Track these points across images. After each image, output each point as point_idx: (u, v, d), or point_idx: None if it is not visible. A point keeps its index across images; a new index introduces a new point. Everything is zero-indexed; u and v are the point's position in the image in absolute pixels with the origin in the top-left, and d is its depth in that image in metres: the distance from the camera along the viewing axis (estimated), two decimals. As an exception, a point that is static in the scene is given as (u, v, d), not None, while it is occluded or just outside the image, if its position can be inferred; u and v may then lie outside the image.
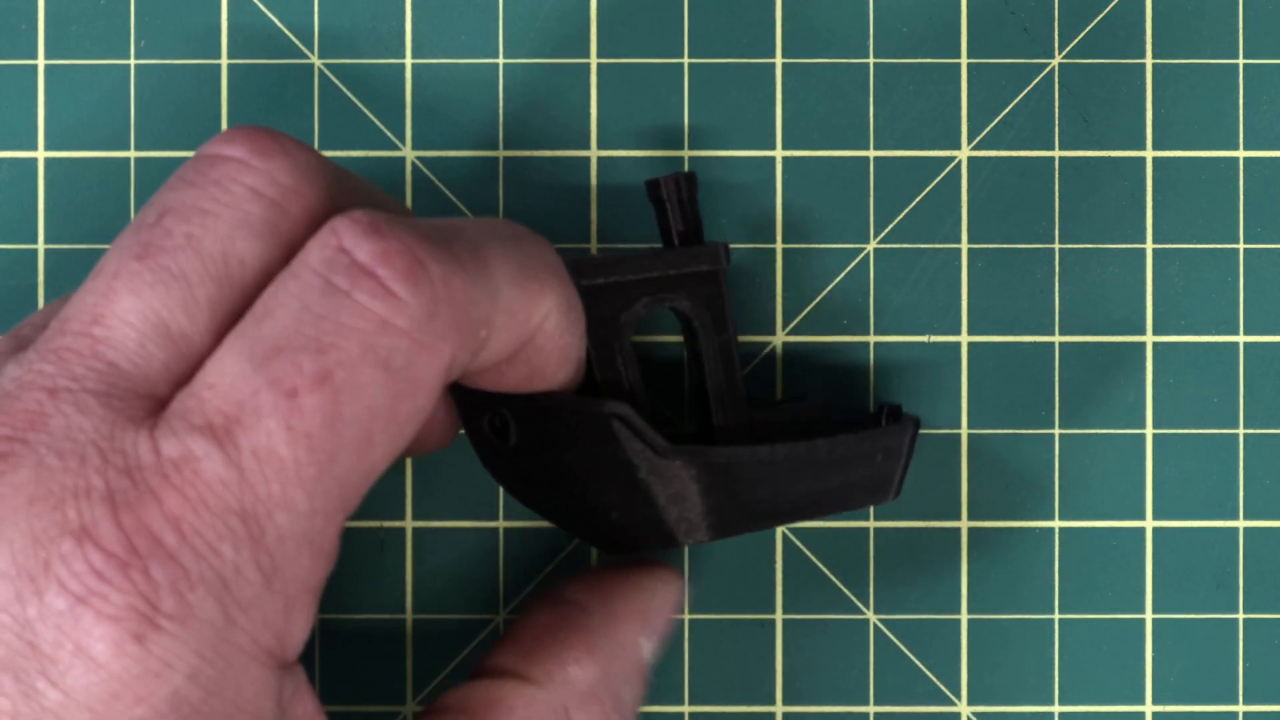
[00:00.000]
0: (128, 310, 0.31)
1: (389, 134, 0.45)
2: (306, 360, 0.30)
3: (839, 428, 0.42)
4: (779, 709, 0.45)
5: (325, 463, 0.30)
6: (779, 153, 0.45)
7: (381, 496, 0.45)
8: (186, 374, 0.31)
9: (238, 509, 0.29)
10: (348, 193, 0.35)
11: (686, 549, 0.45)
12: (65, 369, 0.31)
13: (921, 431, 0.45)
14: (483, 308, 0.32)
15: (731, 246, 0.45)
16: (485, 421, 0.39)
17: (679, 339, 0.45)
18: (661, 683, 0.45)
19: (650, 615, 0.40)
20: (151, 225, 0.32)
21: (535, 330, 0.35)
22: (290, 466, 0.30)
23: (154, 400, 0.31)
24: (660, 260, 0.40)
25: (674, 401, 0.45)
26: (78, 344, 0.31)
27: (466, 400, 0.40)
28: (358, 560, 0.45)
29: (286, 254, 0.32)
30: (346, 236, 0.31)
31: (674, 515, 0.39)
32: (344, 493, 0.31)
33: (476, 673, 0.39)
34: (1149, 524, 0.45)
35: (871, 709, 0.45)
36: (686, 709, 0.45)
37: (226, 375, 0.30)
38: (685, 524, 0.39)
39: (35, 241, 0.45)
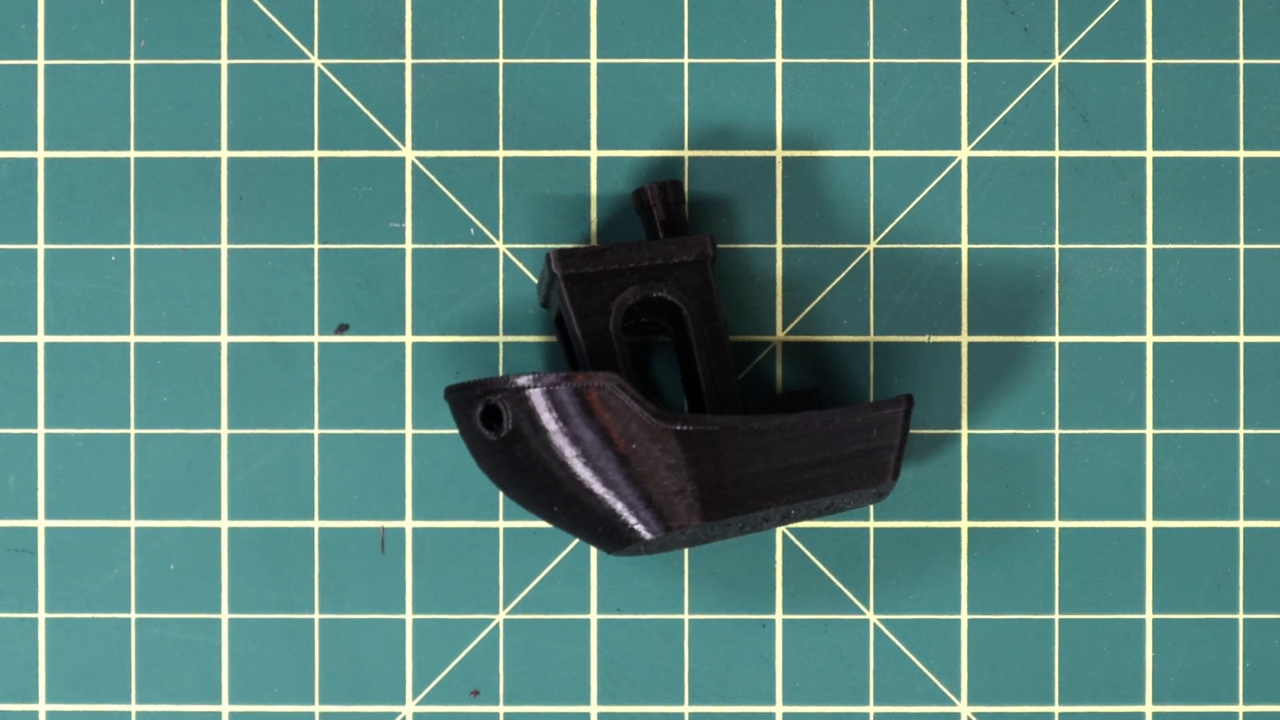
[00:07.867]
0: None
1: (389, 134, 0.45)
2: None
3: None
4: (779, 709, 0.45)
5: None
6: (779, 153, 0.45)
7: (381, 496, 0.45)
8: None
9: None
10: None
11: (687, 551, 0.45)
12: None
13: (922, 431, 0.45)
14: None
15: (732, 246, 0.45)
16: (477, 414, 0.40)
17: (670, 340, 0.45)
18: (662, 682, 0.45)
19: None
20: None
21: None
22: None
23: None
24: (647, 250, 0.41)
25: (670, 402, 0.45)
26: None
27: (459, 394, 0.40)
28: (358, 560, 0.45)
29: None
30: None
31: (667, 491, 0.39)
32: None
33: None
34: (1149, 524, 0.45)
35: (871, 709, 0.45)
36: (686, 709, 0.45)
37: None
38: (678, 500, 0.39)
39: (35, 241, 0.45)
